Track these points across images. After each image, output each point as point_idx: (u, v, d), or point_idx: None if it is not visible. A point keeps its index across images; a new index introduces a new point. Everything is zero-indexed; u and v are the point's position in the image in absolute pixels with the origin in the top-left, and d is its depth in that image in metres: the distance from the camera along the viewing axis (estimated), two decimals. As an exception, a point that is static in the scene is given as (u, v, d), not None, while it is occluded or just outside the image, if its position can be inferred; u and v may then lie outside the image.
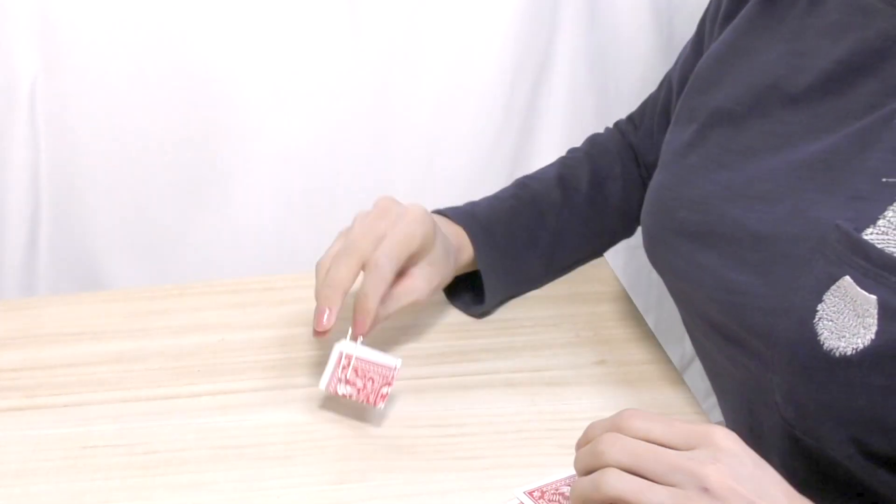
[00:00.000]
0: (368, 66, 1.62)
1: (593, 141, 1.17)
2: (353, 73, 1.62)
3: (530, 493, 0.76)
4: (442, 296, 1.04)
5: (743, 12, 0.93)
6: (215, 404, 0.92)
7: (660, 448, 0.66)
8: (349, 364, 0.87)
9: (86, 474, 0.83)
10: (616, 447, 0.67)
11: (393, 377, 0.87)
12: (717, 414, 1.04)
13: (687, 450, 0.66)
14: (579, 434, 0.86)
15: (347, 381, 0.87)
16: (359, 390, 0.87)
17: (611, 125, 1.20)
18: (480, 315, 1.04)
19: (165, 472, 0.84)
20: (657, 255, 0.92)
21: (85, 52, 1.54)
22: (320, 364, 0.96)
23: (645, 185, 1.11)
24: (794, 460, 0.80)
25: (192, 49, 1.56)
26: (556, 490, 0.76)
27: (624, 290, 1.08)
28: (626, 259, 1.74)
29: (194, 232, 1.67)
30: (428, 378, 0.95)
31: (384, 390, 0.86)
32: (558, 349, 0.99)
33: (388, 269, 0.88)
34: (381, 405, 0.87)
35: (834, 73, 0.81)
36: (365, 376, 0.87)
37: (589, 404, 0.91)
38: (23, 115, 1.56)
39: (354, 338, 0.88)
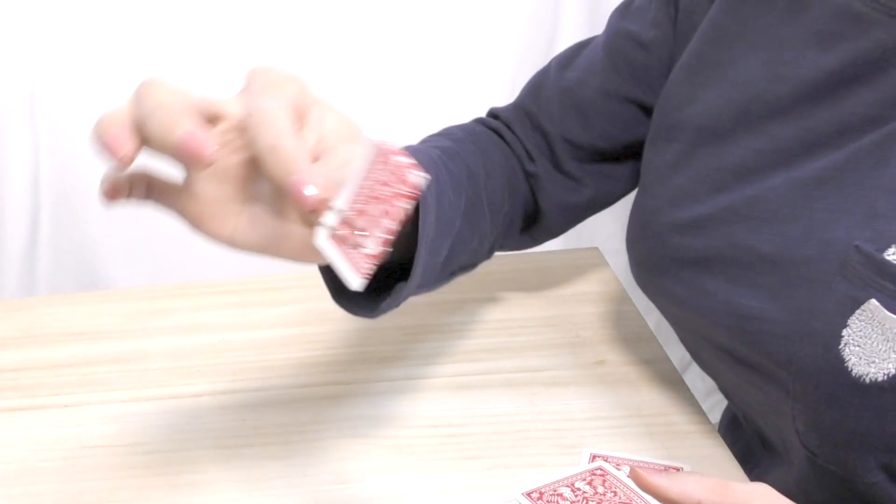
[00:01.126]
0: (371, 65, 1.62)
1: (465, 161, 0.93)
2: (355, 72, 1.62)
3: (528, 495, 0.76)
4: (441, 296, 1.04)
5: (708, 17, 0.88)
6: (215, 404, 0.92)
7: None
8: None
9: (86, 474, 0.83)
10: None
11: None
12: (717, 413, 1.04)
13: None
14: (579, 434, 0.86)
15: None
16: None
17: None
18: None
19: (165, 472, 0.83)
20: (650, 282, 0.89)
21: (85, 54, 1.54)
22: (319, 364, 0.96)
23: (532, 176, 1.00)
24: (812, 485, 0.79)
25: (191, 51, 1.56)
26: (555, 491, 0.76)
27: (624, 290, 1.08)
28: (626, 259, 1.74)
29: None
30: (428, 378, 0.94)
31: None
32: (558, 349, 0.98)
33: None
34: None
35: (824, 83, 0.77)
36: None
37: (589, 404, 0.91)
38: (24, 116, 1.56)
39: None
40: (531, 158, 0.99)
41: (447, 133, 0.98)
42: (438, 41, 1.63)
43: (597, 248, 1.17)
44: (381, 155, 0.61)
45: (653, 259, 0.87)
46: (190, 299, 1.08)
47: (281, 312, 1.05)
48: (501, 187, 0.95)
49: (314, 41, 1.59)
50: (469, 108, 1.67)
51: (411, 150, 0.86)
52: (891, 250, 0.69)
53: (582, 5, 1.65)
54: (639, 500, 0.75)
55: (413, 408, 0.91)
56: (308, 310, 1.05)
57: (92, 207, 1.64)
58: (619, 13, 1.00)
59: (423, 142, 0.95)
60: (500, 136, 1.01)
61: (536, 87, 1.02)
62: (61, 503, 0.80)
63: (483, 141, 0.98)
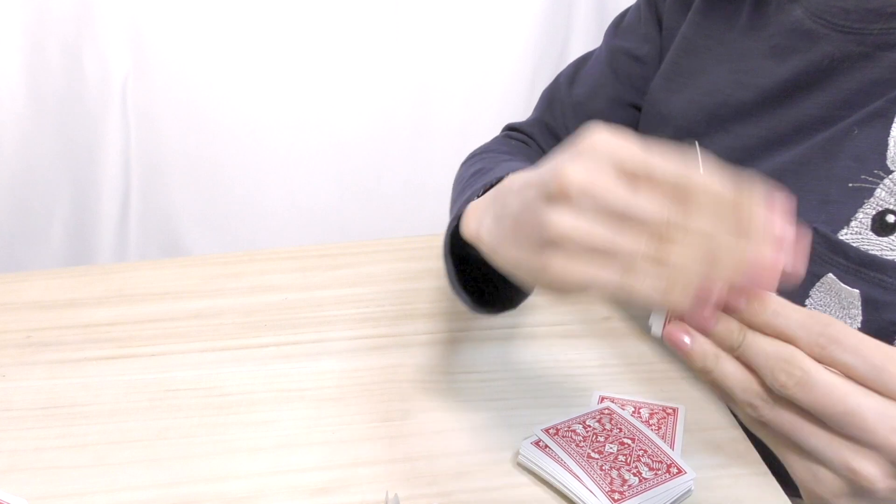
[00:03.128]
0: (410, 67, 1.62)
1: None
2: (397, 73, 1.62)
3: (547, 431, 0.75)
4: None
5: (681, 32, 0.89)
6: (279, 353, 0.91)
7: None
8: None
9: (169, 413, 0.83)
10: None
11: None
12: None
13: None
14: (589, 379, 0.85)
15: None
16: None
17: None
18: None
19: (237, 411, 0.83)
20: None
21: (169, 53, 1.54)
22: (368, 319, 0.96)
23: None
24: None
25: (259, 56, 1.56)
26: (569, 427, 0.76)
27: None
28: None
29: (262, 207, 1.68)
30: (461, 331, 0.94)
31: None
32: (572, 306, 0.98)
33: None
34: None
35: (781, 90, 0.78)
36: None
37: (598, 354, 0.90)
38: (116, 107, 1.56)
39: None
40: None
41: (496, 149, 0.99)
42: (468, 45, 1.62)
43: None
44: None
45: None
46: (257, 264, 1.08)
47: (335, 275, 1.04)
48: None
49: (366, 49, 1.58)
50: (495, 101, 1.67)
51: (506, 169, 0.80)
52: (843, 231, 0.70)
53: (591, 13, 1.64)
54: (640, 436, 0.75)
55: (448, 357, 0.90)
56: (358, 273, 1.05)
57: (174, 187, 1.64)
58: (612, 31, 1.01)
59: (482, 159, 0.94)
60: (528, 148, 1.03)
61: (550, 101, 1.03)
62: (148, 438, 0.81)
63: (524, 153, 1.00)
